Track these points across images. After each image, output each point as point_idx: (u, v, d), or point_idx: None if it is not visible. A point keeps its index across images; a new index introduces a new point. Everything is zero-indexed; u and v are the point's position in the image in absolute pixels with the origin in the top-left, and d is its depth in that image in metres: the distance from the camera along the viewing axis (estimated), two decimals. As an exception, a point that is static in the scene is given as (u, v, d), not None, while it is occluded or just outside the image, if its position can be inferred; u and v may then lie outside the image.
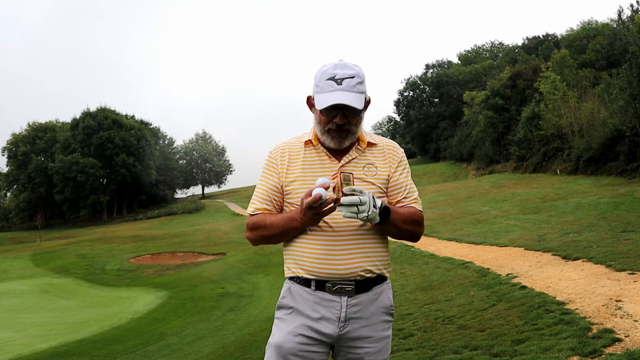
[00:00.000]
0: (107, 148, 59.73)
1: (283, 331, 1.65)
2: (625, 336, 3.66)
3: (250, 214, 1.78)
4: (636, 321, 3.94)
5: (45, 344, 9.16)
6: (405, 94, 65.79)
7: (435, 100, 63.52)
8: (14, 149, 63.41)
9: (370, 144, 1.77)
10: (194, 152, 78.42)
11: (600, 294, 4.92)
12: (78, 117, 63.27)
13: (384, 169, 1.75)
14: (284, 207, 1.75)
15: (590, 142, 23.42)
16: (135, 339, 9.03)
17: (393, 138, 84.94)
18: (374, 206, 1.52)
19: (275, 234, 1.69)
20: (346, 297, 1.63)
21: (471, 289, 6.69)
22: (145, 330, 9.81)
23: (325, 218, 1.60)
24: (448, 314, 5.51)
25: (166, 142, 76.22)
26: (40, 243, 37.33)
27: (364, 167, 1.73)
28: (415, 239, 1.75)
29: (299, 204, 1.62)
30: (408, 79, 66.09)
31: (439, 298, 6.57)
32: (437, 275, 8.47)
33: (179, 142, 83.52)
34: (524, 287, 6.04)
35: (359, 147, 1.74)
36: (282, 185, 1.73)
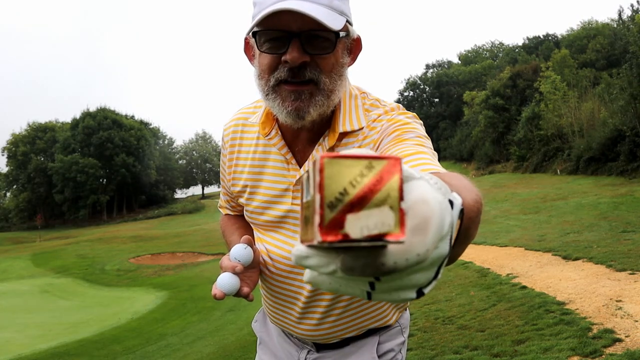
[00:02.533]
0: (107, 148, 59.78)
1: None
2: (626, 336, 3.65)
3: (220, 210, 1.36)
4: (636, 321, 3.93)
5: (45, 344, 9.16)
6: (406, 94, 65.89)
7: (435, 100, 63.58)
8: (13, 149, 63.47)
9: (347, 135, 1.00)
10: (194, 152, 78.45)
11: (600, 294, 4.92)
12: (78, 117, 63.36)
13: None
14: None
15: (590, 142, 23.42)
16: (135, 339, 9.04)
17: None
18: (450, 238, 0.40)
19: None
20: (306, 351, 1.18)
21: (471, 289, 6.69)
22: (145, 330, 9.81)
23: (275, 255, 1.09)
24: (448, 314, 5.50)
25: (166, 142, 76.30)
26: (40, 243, 37.34)
27: None
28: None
29: (252, 224, 1.17)
30: (408, 79, 66.26)
31: (439, 298, 6.56)
32: (437, 275, 8.47)
33: (179, 142, 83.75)
34: (524, 287, 6.03)
35: (325, 141, 1.01)
36: (231, 191, 1.18)
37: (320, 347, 1.15)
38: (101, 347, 8.54)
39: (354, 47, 0.99)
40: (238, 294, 0.99)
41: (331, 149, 1.00)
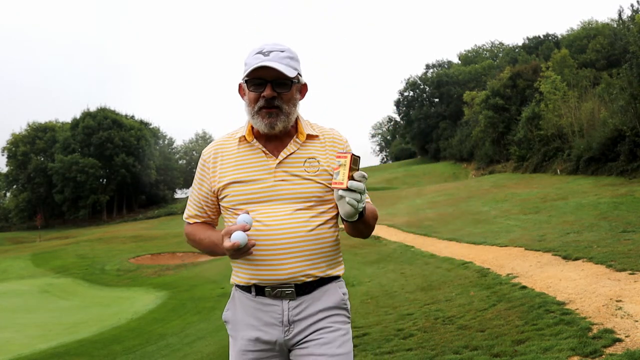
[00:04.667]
0: (107, 148, 59.76)
1: (233, 352, 1.61)
2: (626, 336, 3.65)
3: (186, 221, 1.73)
4: (636, 321, 3.93)
5: (45, 344, 9.16)
6: (406, 94, 65.87)
7: (436, 100, 63.56)
8: (13, 149, 63.44)
9: (310, 137, 1.64)
10: (194, 152, 78.47)
11: (600, 294, 4.92)
12: (78, 117, 63.34)
13: (327, 164, 1.60)
14: (222, 211, 1.66)
15: (590, 142, 23.42)
16: (135, 339, 9.04)
17: (393, 138, 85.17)
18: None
19: (204, 251, 1.67)
20: (287, 300, 1.55)
21: (471, 289, 6.68)
22: (145, 330, 9.81)
23: (264, 219, 1.52)
24: (448, 314, 5.50)
25: (166, 142, 76.28)
26: (40, 243, 37.36)
27: (305, 161, 1.58)
28: (368, 236, 1.66)
29: (234, 209, 1.57)
30: (408, 79, 66.23)
31: (439, 298, 6.56)
32: (437, 275, 8.47)
33: (179, 142, 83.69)
34: (524, 287, 6.03)
35: (297, 139, 1.61)
36: (215, 191, 1.63)
37: (299, 292, 1.54)
38: (101, 347, 8.54)
39: (303, 89, 1.66)
40: (246, 246, 1.41)
41: (302, 143, 1.61)
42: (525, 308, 5.01)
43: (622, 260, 6.23)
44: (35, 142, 63.81)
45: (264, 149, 1.59)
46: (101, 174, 60.42)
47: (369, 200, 1.63)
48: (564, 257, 7.33)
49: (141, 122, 68.47)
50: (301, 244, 1.53)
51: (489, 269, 7.86)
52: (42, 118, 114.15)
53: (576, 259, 7.03)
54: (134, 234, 32.15)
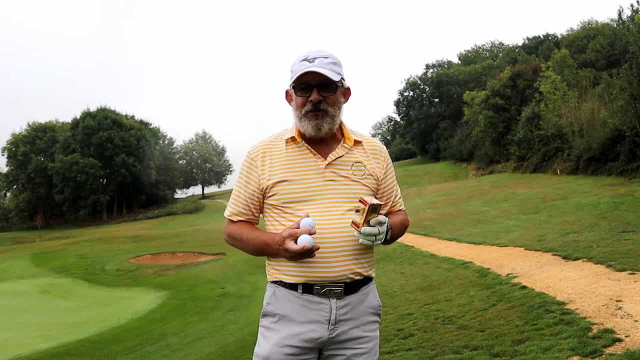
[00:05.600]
0: (107, 148, 59.72)
1: (270, 341, 1.61)
2: (626, 336, 3.65)
3: (228, 218, 1.75)
4: (636, 321, 3.94)
5: (45, 344, 9.15)
6: (406, 94, 65.80)
7: (435, 100, 63.54)
8: (14, 149, 63.40)
9: (357, 142, 1.74)
10: (194, 152, 78.43)
11: (600, 294, 4.92)
12: (78, 117, 63.29)
13: (372, 168, 1.72)
14: (265, 209, 1.71)
15: (590, 142, 23.42)
16: (135, 339, 9.02)
17: (393, 138, 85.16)
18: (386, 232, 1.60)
19: (249, 250, 1.69)
20: (335, 299, 1.60)
21: (471, 289, 6.69)
22: (145, 330, 9.80)
23: (316, 220, 1.58)
24: (448, 314, 5.50)
25: (166, 142, 76.23)
26: (40, 243, 37.33)
27: (352, 165, 1.68)
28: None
29: (283, 207, 1.63)
30: (408, 79, 66.13)
31: (439, 298, 6.57)
32: (437, 275, 8.47)
33: (179, 142, 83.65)
34: (524, 287, 6.03)
35: (345, 144, 1.70)
36: (263, 189, 1.68)
37: (346, 290, 1.62)
38: (101, 347, 8.53)
39: (346, 93, 1.75)
40: (311, 249, 1.48)
41: (350, 148, 1.71)
42: (525, 308, 5.01)
43: (622, 260, 6.23)
44: (36, 142, 63.77)
45: (312, 150, 1.67)
46: (101, 174, 60.37)
47: (402, 207, 1.86)
48: (564, 257, 7.33)
49: (141, 122, 68.40)
50: (352, 244, 1.61)
51: (489, 269, 7.86)
52: (42, 118, 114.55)
53: (576, 259, 7.03)
54: (134, 234, 32.13)
